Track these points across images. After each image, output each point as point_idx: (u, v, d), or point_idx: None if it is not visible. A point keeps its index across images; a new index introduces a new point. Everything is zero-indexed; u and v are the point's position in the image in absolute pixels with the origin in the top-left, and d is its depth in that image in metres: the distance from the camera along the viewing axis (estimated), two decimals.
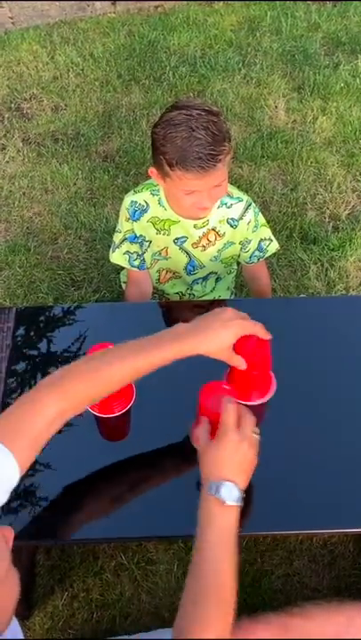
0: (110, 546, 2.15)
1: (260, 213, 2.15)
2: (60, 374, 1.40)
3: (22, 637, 1.38)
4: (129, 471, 1.62)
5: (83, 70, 3.73)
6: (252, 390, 1.66)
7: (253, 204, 2.11)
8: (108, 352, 1.46)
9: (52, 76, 3.72)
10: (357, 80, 3.63)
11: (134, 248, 2.10)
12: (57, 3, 4.11)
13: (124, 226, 2.09)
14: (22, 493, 1.59)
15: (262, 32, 3.94)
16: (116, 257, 2.14)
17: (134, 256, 2.11)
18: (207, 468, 1.36)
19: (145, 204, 2.04)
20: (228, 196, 2.06)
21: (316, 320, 1.91)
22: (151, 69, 3.72)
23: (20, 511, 1.56)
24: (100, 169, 3.24)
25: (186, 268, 2.18)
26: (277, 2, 4.12)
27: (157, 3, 4.17)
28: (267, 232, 2.19)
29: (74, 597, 2.08)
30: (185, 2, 4.14)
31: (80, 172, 3.24)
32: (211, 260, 2.16)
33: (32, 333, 1.94)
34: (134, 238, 2.08)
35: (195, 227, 2.05)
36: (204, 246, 2.10)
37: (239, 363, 1.53)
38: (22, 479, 1.58)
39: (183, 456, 1.66)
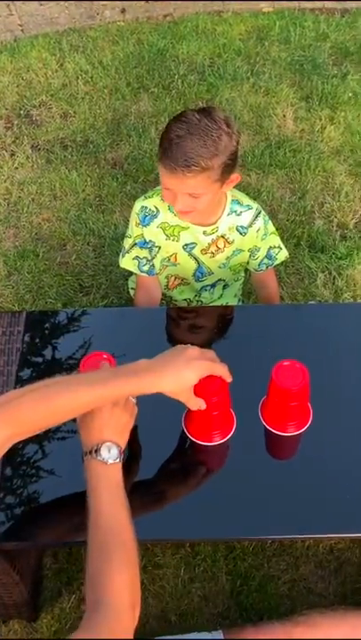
0: None
1: (269, 221, 2.16)
2: (8, 398, 1.37)
3: None
4: (134, 476, 1.63)
5: (92, 78, 3.76)
6: (212, 431, 1.65)
7: (263, 212, 2.12)
8: (63, 381, 1.42)
9: (61, 84, 3.75)
10: None
11: (144, 253, 2.11)
12: (66, 10, 4.15)
13: (134, 231, 2.10)
14: (28, 498, 1.60)
15: (271, 41, 3.96)
16: (126, 262, 2.15)
17: (144, 261, 2.12)
18: (85, 434, 1.42)
19: (155, 210, 2.05)
20: (238, 203, 2.07)
21: (323, 326, 1.93)
22: (160, 77, 3.74)
23: (25, 515, 1.58)
24: (108, 176, 3.26)
25: (194, 275, 2.19)
26: (286, 12, 4.14)
27: (166, 11, 4.20)
28: (276, 240, 2.20)
29: (81, 600, 2.09)
30: (193, 11, 4.17)
31: (89, 179, 3.26)
32: (219, 266, 2.17)
33: (42, 337, 1.95)
34: (144, 244, 2.10)
35: (204, 233, 2.06)
36: (213, 253, 2.12)
37: (198, 405, 1.51)
38: (26, 485, 1.61)
39: (187, 458, 1.68)
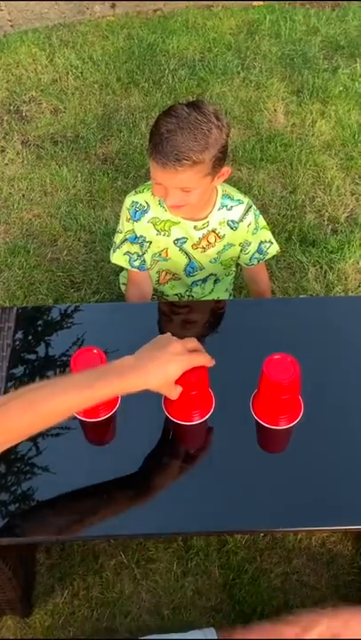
0: (110, 544, 2.16)
1: (260, 216, 2.16)
2: None
3: None
4: (126, 470, 1.63)
5: (82, 73, 3.75)
6: (192, 410, 1.66)
7: (254, 207, 2.12)
8: (49, 384, 1.42)
9: (51, 79, 3.74)
10: (356, 84, 3.65)
11: (135, 249, 2.11)
12: (56, 6, 4.13)
13: (124, 226, 2.10)
14: (21, 494, 1.60)
15: (261, 35, 3.96)
16: (117, 257, 2.15)
17: (135, 257, 2.12)
18: None
19: (146, 205, 2.05)
20: (229, 198, 2.07)
21: (314, 320, 1.93)
22: (150, 72, 3.74)
23: (19, 511, 1.58)
24: (99, 171, 3.26)
25: (185, 270, 2.19)
26: (276, 6, 4.14)
27: (156, 6, 4.19)
28: (267, 235, 2.20)
29: (74, 595, 2.09)
30: (183, 5, 4.16)
31: (79, 175, 3.25)
32: (210, 261, 2.17)
33: (33, 333, 1.95)
34: (135, 239, 2.10)
35: (195, 228, 2.06)
36: (204, 248, 2.12)
37: (178, 394, 1.53)
38: (20, 481, 1.61)
39: (178, 453, 1.69)
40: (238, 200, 2.09)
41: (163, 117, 1.85)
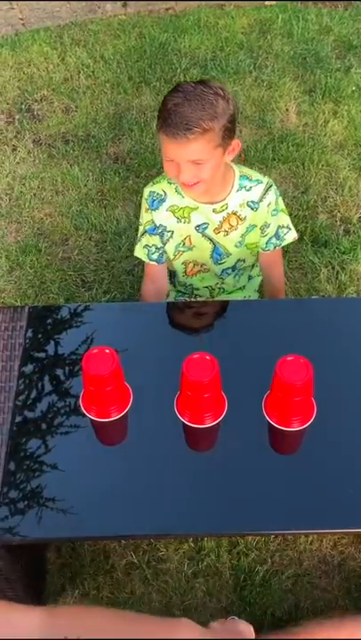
0: (121, 545, 2.16)
1: (280, 197, 2.15)
2: None
3: None
4: (137, 471, 1.63)
5: (93, 72, 3.74)
6: (204, 413, 1.66)
7: (275, 187, 2.12)
8: None
9: (62, 78, 3.73)
10: None
11: (153, 241, 2.13)
12: (68, 4, 4.13)
13: (144, 217, 2.13)
14: (32, 493, 1.60)
15: (273, 35, 3.94)
16: (138, 251, 2.19)
17: (153, 249, 2.13)
18: None
19: (163, 194, 2.07)
20: (247, 179, 2.08)
21: (327, 321, 1.92)
22: (162, 71, 3.73)
23: (29, 510, 1.58)
24: (110, 170, 3.25)
25: (212, 257, 2.18)
26: (288, 5, 4.12)
27: (168, 5, 4.18)
28: (286, 219, 2.20)
29: (84, 595, 2.09)
30: (195, 4, 4.15)
31: (91, 174, 3.25)
32: (235, 245, 2.16)
33: (44, 332, 1.95)
34: (153, 230, 2.11)
35: (214, 211, 2.07)
36: (226, 231, 2.11)
37: None
38: (31, 479, 1.61)
39: (190, 455, 1.68)
40: (257, 180, 2.09)
41: (169, 95, 1.90)
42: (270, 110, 3.51)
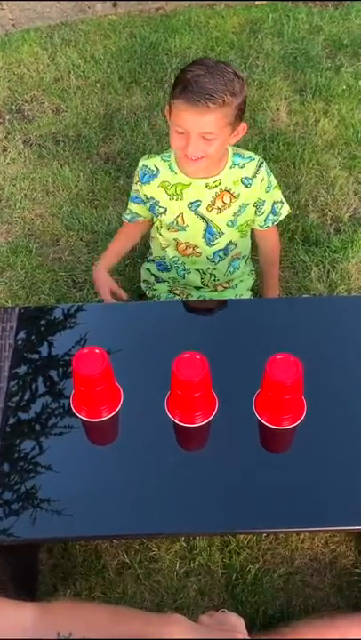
0: (113, 544, 2.16)
1: (271, 174, 2.20)
2: None
3: None
4: (128, 470, 1.63)
5: (84, 72, 3.74)
6: (195, 412, 1.67)
7: (265, 164, 2.17)
8: None
9: (52, 78, 3.73)
10: (360, 82, 3.64)
11: (134, 208, 2.26)
12: (58, 4, 4.13)
13: (133, 188, 2.24)
14: (23, 494, 1.60)
15: (264, 34, 3.95)
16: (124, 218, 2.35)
17: (128, 211, 2.29)
18: None
19: (155, 169, 2.13)
20: (240, 156, 2.13)
21: (317, 320, 1.93)
22: (153, 71, 3.73)
23: (22, 510, 1.58)
24: (101, 171, 3.25)
25: (205, 237, 2.20)
26: (279, 4, 4.13)
27: (158, 5, 4.18)
28: (279, 194, 2.26)
29: (77, 595, 2.08)
30: (186, 4, 4.15)
31: (81, 174, 3.25)
32: (228, 224, 2.19)
33: (35, 333, 1.95)
34: (136, 198, 2.22)
35: (207, 186, 2.10)
36: (219, 209, 2.14)
37: None
38: (23, 480, 1.61)
39: (181, 454, 1.69)
40: (250, 157, 2.15)
41: (190, 66, 1.94)
42: (261, 110, 3.51)
